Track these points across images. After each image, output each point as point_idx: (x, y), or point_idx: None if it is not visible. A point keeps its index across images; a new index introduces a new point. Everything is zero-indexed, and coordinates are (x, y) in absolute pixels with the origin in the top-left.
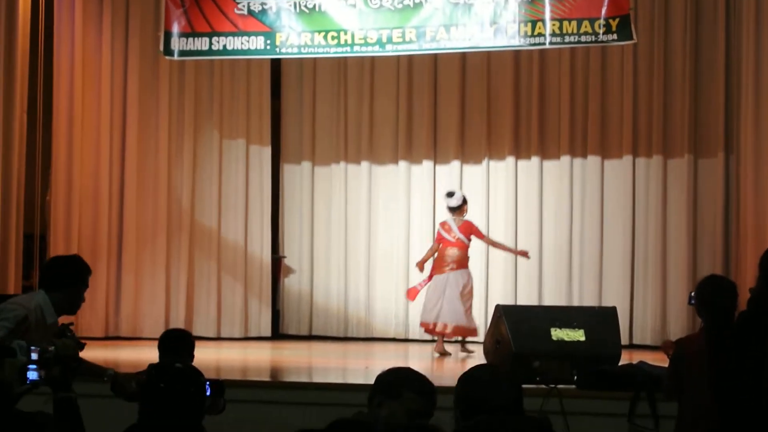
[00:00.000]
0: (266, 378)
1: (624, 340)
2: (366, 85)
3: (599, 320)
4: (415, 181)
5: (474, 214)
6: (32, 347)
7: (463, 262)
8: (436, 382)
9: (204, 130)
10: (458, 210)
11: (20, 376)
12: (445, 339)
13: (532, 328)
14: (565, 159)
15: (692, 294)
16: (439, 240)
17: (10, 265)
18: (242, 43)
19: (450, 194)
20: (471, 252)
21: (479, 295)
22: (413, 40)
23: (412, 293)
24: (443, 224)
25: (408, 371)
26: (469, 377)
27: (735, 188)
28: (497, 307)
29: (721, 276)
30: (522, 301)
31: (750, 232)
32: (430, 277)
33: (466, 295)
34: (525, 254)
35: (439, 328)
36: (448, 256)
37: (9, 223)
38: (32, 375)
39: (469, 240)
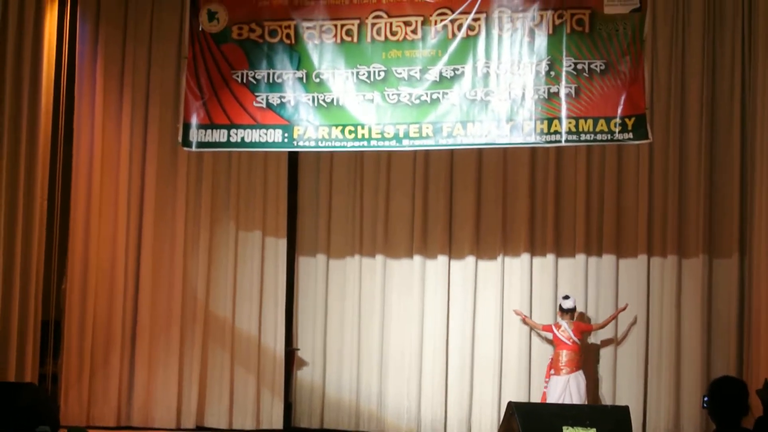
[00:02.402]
0: None
1: None
2: (382, 179)
3: (612, 419)
4: (429, 275)
5: (489, 310)
6: None
7: (579, 364)
8: None
9: (220, 221)
10: (572, 312)
11: None
12: None
13: (544, 425)
14: (580, 257)
15: (705, 398)
16: (554, 340)
17: (27, 351)
18: (260, 136)
19: (566, 297)
20: (483, 348)
21: (492, 393)
22: (430, 136)
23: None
24: (557, 326)
25: None
26: None
27: (749, 289)
28: (509, 404)
29: (733, 377)
30: (535, 398)
31: (764, 333)
32: (547, 377)
33: (583, 395)
34: (624, 308)
35: None
36: (565, 358)
37: (28, 310)
38: None
39: (581, 340)
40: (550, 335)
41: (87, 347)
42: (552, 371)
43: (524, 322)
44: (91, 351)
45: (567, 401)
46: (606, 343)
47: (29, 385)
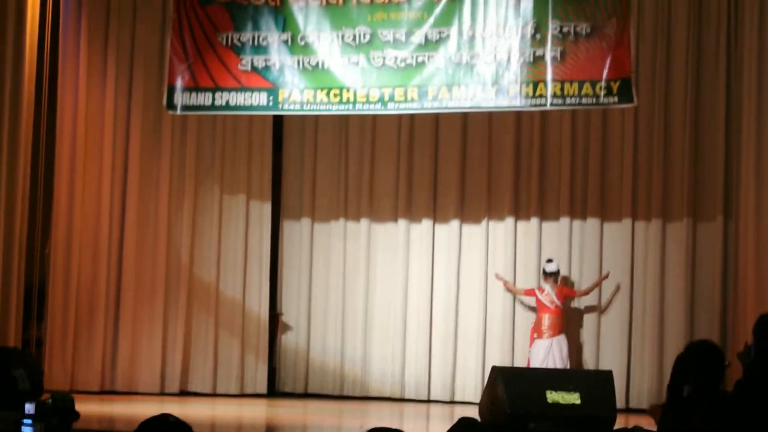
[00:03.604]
0: None
1: (620, 403)
2: (367, 143)
3: (595, 383)
4: (414, 239)
5: (473, 274)
6: (27, 402)
7: (562, 328)
8: None
9: (205, 184)
10: (555, 276)
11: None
12: None
13: (527, 390)
14: (564, 221)
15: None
16: (537, 304)
17: (11, 317)
18: (245, 99)
19: (549, 261)
20: (467, 312)
21: (476, 356)
22: (415, 99)
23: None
24: (540, 290)
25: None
26: None
27: (734, 251)
28: (493, 368)
29: (708, 341)
30: (519, 362)
31: (750, 295)
32: (532, 342)
33: (565, 359)
34: (606, 276)
35: None
36: (548, 321)
37: (11, 275)
38: (27, 430)
39: (563, 304)
40: (532, 299)
41: (71, 312)
42: (535, 335)
43: (506, 287)
44: (75, 315)
45: (550, 365)
46: (589, 309)
47: (13, 351)
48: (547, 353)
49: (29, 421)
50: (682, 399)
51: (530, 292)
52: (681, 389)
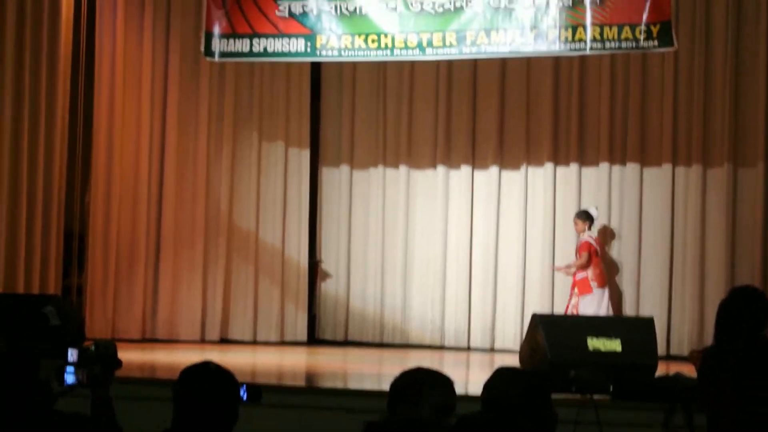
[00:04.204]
0: (302, 383)
1: (661, 350)
2: (405, 90)
3: (636, 330)
4: (453, 186)
5: (512, 221)
6: (70, 348)
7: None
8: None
9: (243, 132)
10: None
11: (58, 377)
12: None
13: (568, 337)
14: (604, 166)
15: None
16: (596, 252)
17: (50, 264)
18: (283, 46)
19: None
20: (506, 259)
21: (516, 304)
22: (453, 45)
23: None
24: (597, 240)
25: (420, 371)
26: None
27: None
28: (534, 315)
29: (752, 286)
30: (558, 309)
31: None
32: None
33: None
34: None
35: None
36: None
37: (50, 222)
38: (69, 378)
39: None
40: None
41: (111, 260)
42: (594, 284)
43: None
44: (115, 264)
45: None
46: (630, 256)
47: (54, 297)
48: (599, 304)
49: (71, 369)
50: (725, 344)
51: (587, 247)
52: (725, 335)
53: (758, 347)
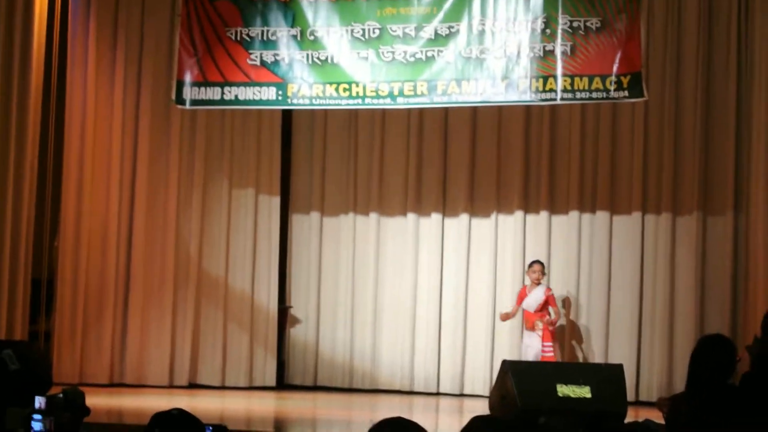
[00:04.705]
0: (270, 429)
1: (630, 396)
2: (377, 137)
3: (606, 377)
4: (423, 233)
5: (482, 267)
6: (38, 396)
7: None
8: None
9: (214, 179)
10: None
11: (24, 426)
12: None
13: (538, 383)
14: (574, 214)
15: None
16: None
17: (17, 309)
18: (254, 94)
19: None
20: (476, 306)
21: (485, 350)
22: (425, 94)
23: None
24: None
25: (397, 422)
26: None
27: (744, 246)
28: (504, 362)
29: (720, 335)
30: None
31: (760, 290)
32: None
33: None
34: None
35: None
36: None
37: (18, 267)
38: (37, 426)
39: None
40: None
41: (80, 305)
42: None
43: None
44: (83, 309)
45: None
46: (598, 302)
47: (15, 342)
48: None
49: (39, 417)
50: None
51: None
52: (693, 382)
53: (723, 394)
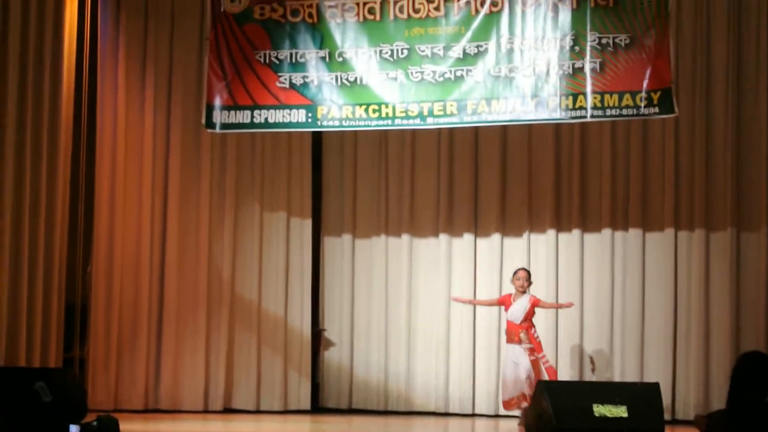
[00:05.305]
0: None
1: (666, 415)
2: (407, 158)
3: (642, 396)
4: (455, 253)
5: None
6: (72, 424)
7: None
8: None
9: (245, 202)
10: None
11: None
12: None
13: (574, 403)
14: (606, 232)
15: None
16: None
17: (51, 336)
18: (284, 116)
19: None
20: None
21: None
22: (454, 113)
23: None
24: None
25: None
26: None
27: None
28: (539, 382)
29: (760, 352)
30: (564, 376)
31: None
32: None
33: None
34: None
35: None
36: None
37: (51, 294)
38: None
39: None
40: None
41: (113, 331)
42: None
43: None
44: (117, 335)
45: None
46: (633, 320)
47: (48, 371)
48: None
49: None
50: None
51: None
52: (733, 399)
53: (763, 412)
